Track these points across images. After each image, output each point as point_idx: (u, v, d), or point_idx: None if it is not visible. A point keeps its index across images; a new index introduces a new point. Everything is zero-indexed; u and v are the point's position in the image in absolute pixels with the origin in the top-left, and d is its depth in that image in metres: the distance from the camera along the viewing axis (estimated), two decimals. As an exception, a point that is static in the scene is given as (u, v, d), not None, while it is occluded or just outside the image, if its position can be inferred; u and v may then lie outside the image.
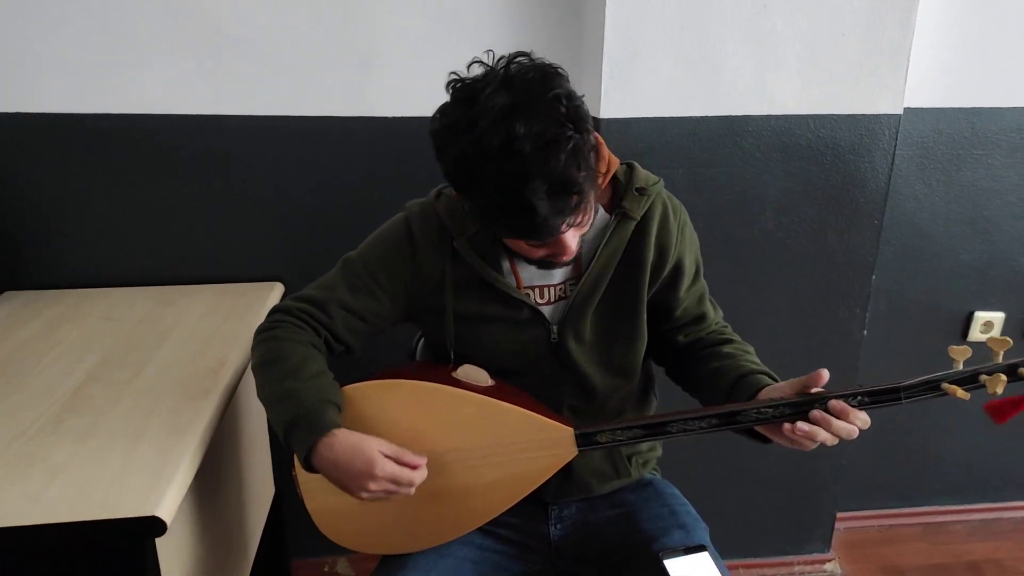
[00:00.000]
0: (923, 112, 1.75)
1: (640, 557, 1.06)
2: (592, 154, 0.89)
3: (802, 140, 1.57)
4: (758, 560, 1.93)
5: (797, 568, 1.93)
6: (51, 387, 1.17)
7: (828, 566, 1.92)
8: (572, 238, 0.94)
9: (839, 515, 2.06)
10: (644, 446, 1.21)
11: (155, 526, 0.86)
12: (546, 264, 1.01)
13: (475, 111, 0.84)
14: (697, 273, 1.13)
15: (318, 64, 1.55)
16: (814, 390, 0.93)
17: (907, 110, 1.72)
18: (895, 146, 1.59)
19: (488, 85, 0.85)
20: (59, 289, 1.59)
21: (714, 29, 1.47)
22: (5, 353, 1.30)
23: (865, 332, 1.73)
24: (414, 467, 0.94)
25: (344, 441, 0.93)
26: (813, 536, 1.92)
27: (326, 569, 1.91)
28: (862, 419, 0.90)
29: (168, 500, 0.89)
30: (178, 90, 1.53)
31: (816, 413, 0.91)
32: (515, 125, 0.82)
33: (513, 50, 0.90)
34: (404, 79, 1.58)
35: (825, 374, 0.92)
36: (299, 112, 1.58)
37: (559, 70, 0.89)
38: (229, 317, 1.45)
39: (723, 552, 1.77)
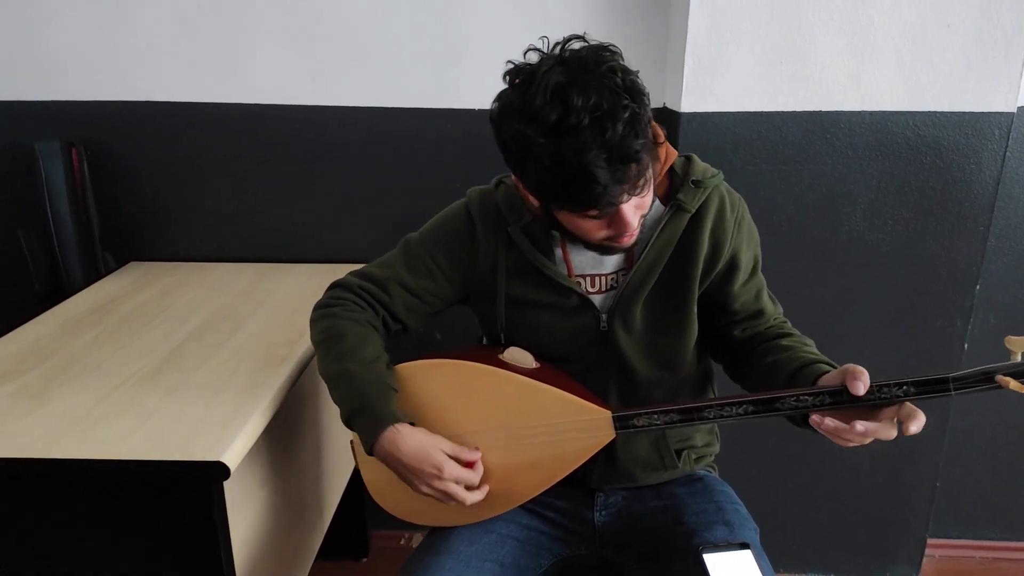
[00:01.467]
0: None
1: (680, 550, 1.05)
2: (649, 126, 0.90)
3: (900, 138, 1.49)
4: (838, 578, 1.85)
5: (881, 590, 1.83)
6: (155, 345, 1.31)
7: (915, 592, 1.81)
8: (632, 214, 0.94)
9: (936, 542, 1.94)
10: (699, 440, 1.20)
11: (221, 470, 0.95)
12: (605, 249, 1.02)
13: (532, 91, 0.86)
14: (755, 268, 1.11)
15: (411, 58, 1.63)
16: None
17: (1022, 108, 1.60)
18: (1006, 147, 1.48)
19: (543, 67, 0.88)
20: (175, 262, 1.76)
21: (806, 20, 1.43)
22: (122, 314, 1.45)
23: (966, 346, 1.62)
24: (471, 463, 1.00)
25: (410, 439, 0.98)
26: (898, 559, 1.81)
27: (402, 542, 2.00)
28: (912, 420, 0.86)
29: (234, 449, 0.98)
30: (283, 82, 1.65)
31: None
32: (571, 99, 0.84)
33: (599, 42, 0.92)
34: (492, 72, 1.62)
35: (864, 373, 0.88)
36: (392, 104, 1.66)
37: (612, 47, 0.91)
38: (316, 293, 1.50)
39: (802, 565, 1.72)
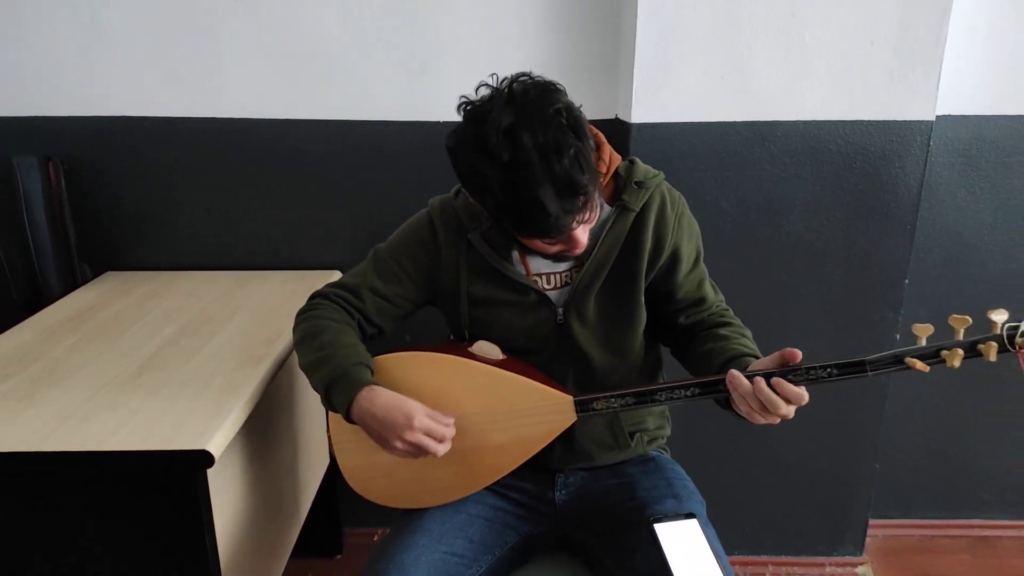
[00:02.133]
0: (965, 119, 1.75)
1: (634, 522, 1.15)
2: (592, 156, 1.00)
3: (831, 145, 1.62)
4: (789, 558, 1.96)
5: (828, 570, 1.94)
6: (135, 349, 1.37)
7: (860, 569, 1.93)
8: (582, 233, 1.06)
9: (878, 522, 2.06)
10: (651, 424, 1.30)
11: (205, 458, 1.02)
12: (559, 258, 1.13)
13: (484, 129, 0.95)
14: (697, 260, 1.22)
15: (378, 74, 1.72)
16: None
17: (949, 117, 1.75)
18: (927, 152, 1.61)
19: (494, 106, 0.97)
20: (151, 271, 1.82)
21: (743, 38, 1.55)
22: (102, 321, 1.51)
23: (898, 336, 1.75)
24: (444, 423, 1.07)
25: (385, 395, 1.07)
26: (845, 539, 1.93)
27: (376, 539, 2.06)
28: (794, 394, 0.97)
29: (217, 439, 1.05)
30: (256, 96, 1.73)
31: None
32: (521, 138, 0.93)
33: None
34: (453, 87, 1.71)
35: (798, 354, 0.99)
36: (361, 117, 1.75)
37: (557, 86, 1.01)
38: (290, 298, 1.62)
39: (754, 548, 1.83)
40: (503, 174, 0.95)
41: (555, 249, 1.08)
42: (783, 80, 1.57)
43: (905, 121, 1.60)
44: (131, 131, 1.74)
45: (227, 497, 1.17)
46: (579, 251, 1.10)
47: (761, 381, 0.99)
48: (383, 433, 1.07)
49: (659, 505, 1.17)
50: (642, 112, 1.59)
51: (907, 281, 1.71)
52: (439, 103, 1.73)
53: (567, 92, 1.02)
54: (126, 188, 1.78)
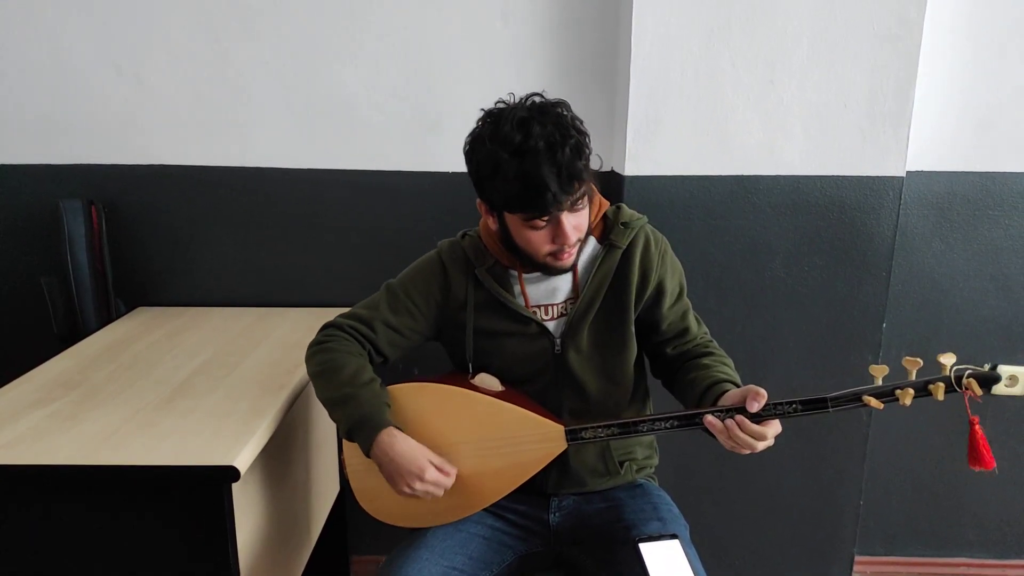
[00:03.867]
0: (939, 175, 1.89)
1: (621, 541, 1.25)
2: (590, 156, 1.16)
3: (810, 198, 1.75)
4: (777, 591, 2.04)
5: (815, 603, 2.02)
6: (167, 377, 1.50)
7: (846, 603, 2.00)
8: (571, 229, 1.18)
9: (864, 559, 2.14)
10: (640, 454, 1.41)
11: (231, 473, 1.14)
12: (550, 269, 1.25)
13: (501, 122, 1.13)
14: (680, 294, 1.34)
15: (392, 128, 1.88)
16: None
17: (923, 173, 1.89)
18: (899, 205, 1.74)
19: (511, 107, 1.16)
20: (180, 307, 1.96)
21: (727, 100, 1.70)
22: (136, 352, 1.64)
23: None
24: (448, 473, 1.20)
25: (403, 443, 1.19)
26: (831, 574, 2.01)
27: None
28: (757, 432, 1.10)
29: (243, 456, 1.17)
30: (281, 147, 1.89)
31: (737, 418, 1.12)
32: (532, 127, 1.10)
33: (555, 99, 1.18)
34: (462, 140, 1.87)
35: (762, 393, 1.11)
36: (377, 167, 1.90)
37: (564, 102, 1.19)
38: (308, 333, 1.70)
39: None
40: (514, 156, 1.11)
41: (546, 248, 1.19)
42: (763, 138, 1.72)
43: (878, 176, 1.73)
44: (167, 178, 1.90)
45: (248, 512, 1.29)
46: (567, 257, 1.21)
47: (732, 423, 1.11)
48: (394, 476, 1.19)
49: (645, 526, 1.27)
50: (634, 166, 1.74)
51: (884, 324, 1.82)
52: (448, 154, 1.89)
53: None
54: (160, 230, 1.93)
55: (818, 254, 1.79)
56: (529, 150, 1.10)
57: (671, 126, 1.71)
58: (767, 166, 1.74)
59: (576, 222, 1.19)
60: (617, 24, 1.79)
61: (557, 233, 1.18)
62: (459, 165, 1.92)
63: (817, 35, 1.66)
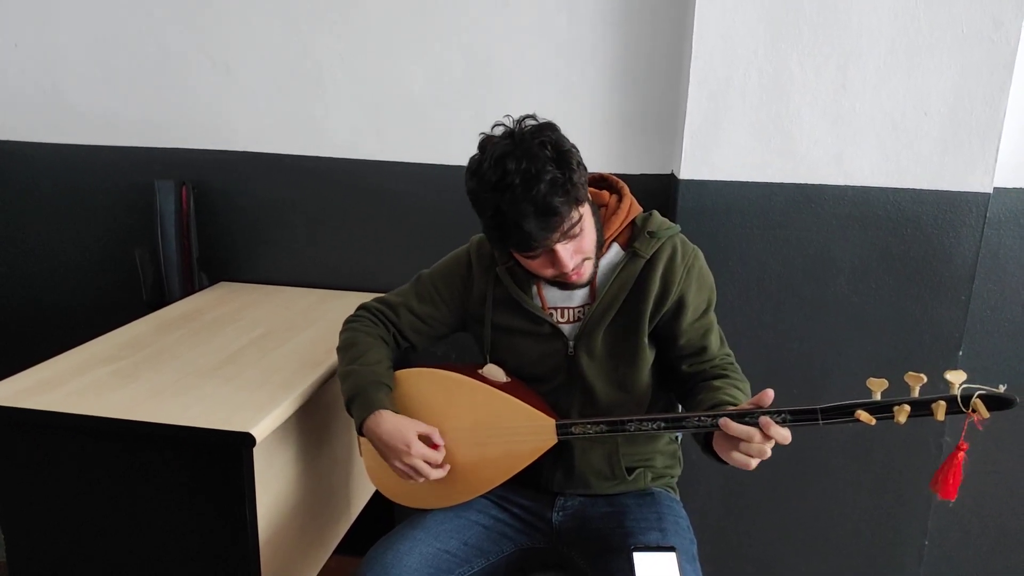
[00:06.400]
0: (1041, 193, 1.72)
1: (617, 548, 1.23)
2: (575, 187, 1.11)
3: (881, 211, 1.64)
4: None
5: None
6: (224, 346, 1.62)
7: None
8: (569, 256, 1.16)
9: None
10: (659, 462, 1.38)
11: (249, 440, 1.22)
12: (560, 285, 1.24)
13: (483, 157, 1.14)
14: (706, 311, 1.29)
15: (457, 123, 1.92)
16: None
17: (1020, 190, 1.71)
18: (983, 224, 1.59)
19: (496, 140, 1.15)
20: (255, 284, 2.10)
21: (792, 105, 1.61)
22: (206, 321, 1.78)
23: (950, 408, 1.70)
24: (436, 446, 1.23)
25: (388, 421, 1.23)
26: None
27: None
28: (742, 431, 1.04)
29: (262, 426, 1.25)
30: (353, 139, 1.98)
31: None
32: (507, 164, 1.09)
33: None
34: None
35: (770, 394, 1.06)
36: (439, 161, 1.95)
37: (552, 125, 1.15)
38: None
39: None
40: (491, 195, 1.10)
41: (549, 272, 1.19)
42: (831, 146, 1.62)
43: (960, 192, 1.59)
44: (250, 163, 2.04)
45: (272, 477, 1.37)
46: (575, 277, 1.20)
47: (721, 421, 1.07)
48: (386, 454, 1.23)
49: (643, 536, 1.24)
50: (691, 169, 1.69)
51: (961, 352, 1.68)
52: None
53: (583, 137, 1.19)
54: (242, 211, 2.07)
55: (888, 272, 1.67)
56: (504, 188, 1.08)
57: (731, 130, 1.65)
58: (834, 176, 1.64)
59: (576, 247, 1.17)
60: (682, 22, 1.74)
61: (554, 261, 1.17)
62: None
63: (896, 36, 1.54)
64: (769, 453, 1.05)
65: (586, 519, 1.32)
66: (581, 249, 1.18)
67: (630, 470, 1.34)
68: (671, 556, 1.15)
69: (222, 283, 2.12)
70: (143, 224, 2.03)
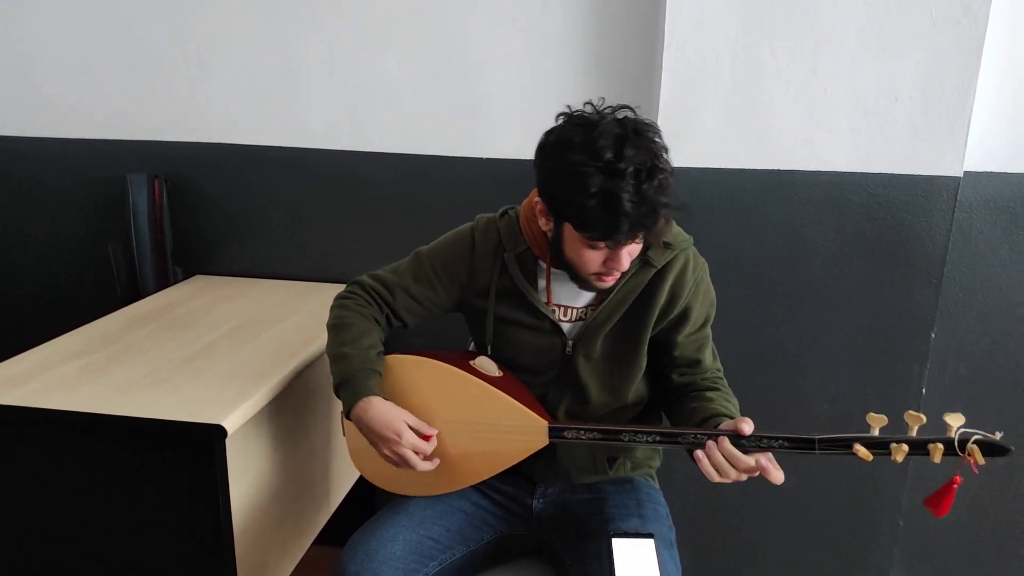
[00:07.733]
0: (1008, 177, 1.73)
1: (597, 535, 1.23)
2: (672, 194, 1.08)
3: (853, 196, 1.65)
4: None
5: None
6: (195, 340, 1.60)
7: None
8: (627, 258, 1.13)
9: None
10: (639, 452, 1.38)
11: (220, 432, 1.21)
12: (588, 285, 1.20)
13: (595, 133, 1.05)
14: (704, 325, 1.29)
15: (435, 113, 1.91)
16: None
17: (991, 174, 1.73)
18: (954, 207, 1.61)
19: (604, 119, 1.08)
20: (231, 276, 2.08)
21: (765, 91, 1.62)
22: (178, 315, 1.77)
23: (924, 391, 1.72)
24: (427, 437, 1.21)
25: (377, 408, 1.20)
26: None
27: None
28: (737, 457, 1.05)
29: (233, 417, 1.24)
30: (329, 130, 1.96)
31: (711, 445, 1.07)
32: (625, 149, 1.03)
33: (646, 119, 1.12)
34: (503, 127, 1.89)
35: (749, 424, 1.07)
36: (417, 151, 1.94)
37: (655, 126, 1.11)
38: None
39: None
40: (602, 174, 1.03)
41: (596, 268, 1.14)
42: (804, 131, 1.63)
43: (931, 176, 1.61)
44: (225, 155, 2.02)
45: (246, 469, 1.36)
46: (611, 280, 1.17)
47: (712, 444, 1.07)
48: (375, 441, 1.21)
49: (623, 522, 1.25)
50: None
51: (934, 334, 1.69)
52: (485, 141, 1.90)
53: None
54: (216, 204, 2.05)
55: (861, 256, 1.68)
56: (618, 172, 1.02)
57: (704, 116, 1.65)
58: (807, 161, 1.65)
59: (633, 250, 1.14)
60: (655, 9, 1.74)
61: (612, 258, 1.12)
62: (496, 151, 1.96)
63: (867, 21, 1.55)
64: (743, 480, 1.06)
65: (566, 506, 1.33)
66: (634, 253, 1.15)
67: (611, 460, 1.34)
68: (649, 543, 1.15)
69: (197, 276, 2.10)
70: (115, 218, 2.01)
